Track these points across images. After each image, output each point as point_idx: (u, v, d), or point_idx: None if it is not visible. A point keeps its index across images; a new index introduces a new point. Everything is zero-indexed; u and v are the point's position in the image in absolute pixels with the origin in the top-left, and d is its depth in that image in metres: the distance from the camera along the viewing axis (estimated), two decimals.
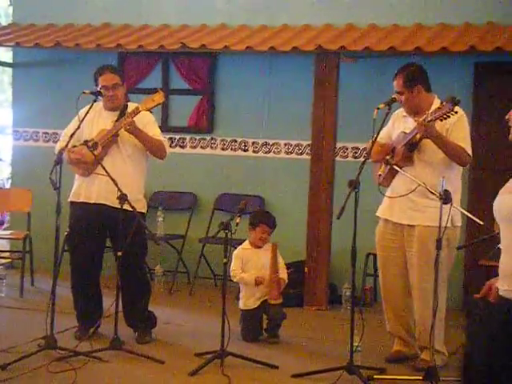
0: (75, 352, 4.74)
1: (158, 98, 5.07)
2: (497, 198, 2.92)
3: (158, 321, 5.35)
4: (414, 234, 4.77)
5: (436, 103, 4.74)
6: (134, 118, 5.00)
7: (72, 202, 5.20)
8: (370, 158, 4.79)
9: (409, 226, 4.80)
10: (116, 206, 4.90)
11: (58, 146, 5.20)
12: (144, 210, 5.28)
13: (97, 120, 5.12)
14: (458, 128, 4.72)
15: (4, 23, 8.13)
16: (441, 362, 4.73)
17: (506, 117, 3.05)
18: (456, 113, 4.51)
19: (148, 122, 5.12)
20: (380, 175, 4.83)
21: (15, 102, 7.90)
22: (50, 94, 7.53)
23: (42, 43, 7.02)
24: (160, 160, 5.25)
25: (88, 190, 5.14)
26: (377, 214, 4.99)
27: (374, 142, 4.67)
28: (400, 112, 4.96)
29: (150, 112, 5.20)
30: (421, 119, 4.59)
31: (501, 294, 2.84)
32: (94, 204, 5.11)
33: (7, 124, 8.25)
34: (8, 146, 8.41)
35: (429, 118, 4.54)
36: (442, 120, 4.53)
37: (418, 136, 4.68)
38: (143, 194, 5.30)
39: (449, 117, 4.53)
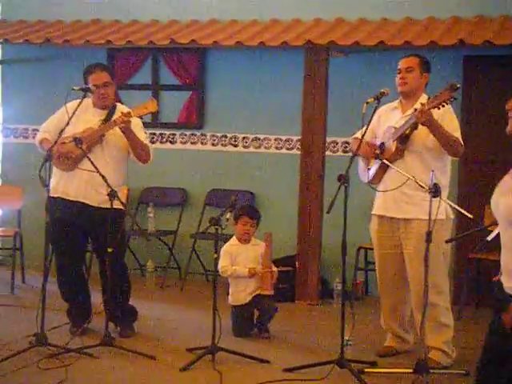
0: (66, 349, 4.74)
1: (151, 106, 5.07)
2: (495, 197, 2.88)
3: (148, 316, 5.36)
4: (412, 230, 4.73)
5: (423, 98, 4.74)
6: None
7: (49, 197, 5.14)
8: (354, 154, 4.75)
9: (405, 220, 4.76)
10: (94, 204, 4.99)
11: (40, 137, 5.19)
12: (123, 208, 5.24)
13: (83, 116, 5.07)
14: (449, 119, 4.70)
15: None
16: (446, 362, 4.73)
17: (507, 106, 2.95)
18: (455, 99, 4.49)
19: (135, 126, 5.08)
20: (369, 169, 4.83)
21: (5, 99, 7.86)
22: (40, 91, 7.50)
23: (31, 39, 6.99)
24: (142, 164, 5.21)
25: (66, 186, 5.11)
26: (372, 212, 4.97)
27: (361, 140, 4.66)
28: (387, 107, 4.95)
29: (141, 118, 5.18)
30: (420, 106, 4.56)
31: (506, 291, 2.84)
32: (73, 201, 5.10)
33: None
34: None
35: (427, 106, 4.50)
36: (440, 108, 4.47)
37: (410, 129, 4.67)
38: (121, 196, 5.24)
39: (447, 104, 4.49)
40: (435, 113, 4.55)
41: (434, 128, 4.58)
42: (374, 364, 4.73)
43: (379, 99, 4.68)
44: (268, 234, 5.53)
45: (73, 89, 4.96)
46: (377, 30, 6.48)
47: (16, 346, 4.74)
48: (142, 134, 5.19)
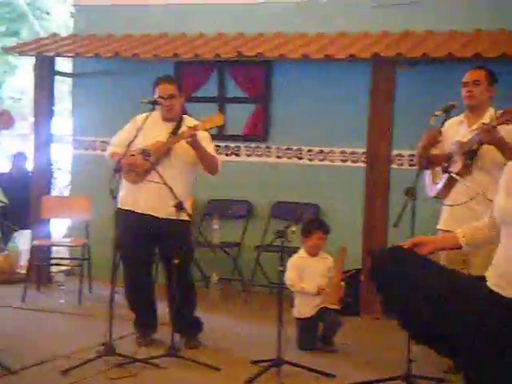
0: (133, 358, 4.80)
1: (218, 120, 5.11)
2: (503, 198, 2.88)
3: (212, 328, 5.38)
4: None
5: (490, 112, 4.67)
6: None
7: (118, 209, 5.17)
8: (420, 167, 4.70)
9: None
10: (162, 216, 5.04)
11: (110, 151, 5.29)
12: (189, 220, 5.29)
13: (152, 129, 5.12)
14: None
15: (65, 34, 8.29)
16: None
17: None
18: None
19: (203, 138, 5.14)
20: (437, 183, 4.77)
21: (74, 112, 8.04)
22: (109, 104, 7.64)
23: (101, 53, 7.13)
24: (211, 175, 5.26)
25: (135, 198, 5.17)
26: (437, 227, 4.90)
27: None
28: (453, 120, 4.88)
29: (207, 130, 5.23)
30: (485, 124, 4.49)
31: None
32: (141, 214, 5.16)
33: (67, 133, 8.39)
34: (67, 154, 8.56)
35: (494, 123, 4.43)
36: (508, 124, 4.39)
37: (476, 145, 4.60)
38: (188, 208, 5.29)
39: None
40: (503, 129, 4.47)
41: (501, 145, 4.49)
42: (441, 381, 4.65)
43: (447, 112, 4.63)
44: (342, 248, 5.48)
45: (141, 102, 5.04)
46: (444, 42, 6.40)
47: (84, 355, 4.83)
48: (211, 147, 5.24)
